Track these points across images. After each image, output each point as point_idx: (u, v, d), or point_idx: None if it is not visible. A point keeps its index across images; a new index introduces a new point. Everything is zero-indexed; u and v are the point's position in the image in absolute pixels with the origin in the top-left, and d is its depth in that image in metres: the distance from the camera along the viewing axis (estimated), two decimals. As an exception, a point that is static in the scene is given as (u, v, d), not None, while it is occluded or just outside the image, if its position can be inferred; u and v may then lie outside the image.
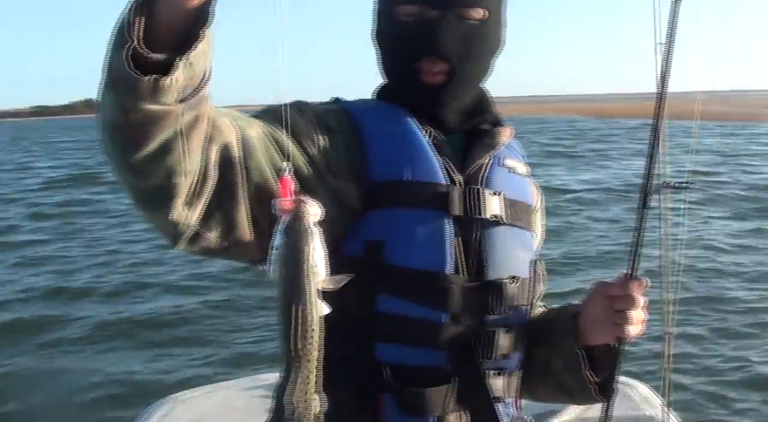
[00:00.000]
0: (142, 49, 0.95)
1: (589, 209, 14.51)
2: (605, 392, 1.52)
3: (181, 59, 0.96)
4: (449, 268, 1.37)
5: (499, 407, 1.45)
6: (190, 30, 0.98)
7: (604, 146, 30.55)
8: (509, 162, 1.52)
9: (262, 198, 1.17)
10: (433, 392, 1.37)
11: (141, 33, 0.96)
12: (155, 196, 1.08)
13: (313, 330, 1.01)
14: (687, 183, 1.64)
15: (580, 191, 16.78)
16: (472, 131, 1.53)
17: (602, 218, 13.67)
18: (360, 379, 1.37)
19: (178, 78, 0.96)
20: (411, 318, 1.36)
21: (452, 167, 1.42)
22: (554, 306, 1.68)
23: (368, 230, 1.36)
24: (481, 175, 1.45)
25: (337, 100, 1.53)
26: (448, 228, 1.38)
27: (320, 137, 1.35)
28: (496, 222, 1.43)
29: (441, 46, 1.41)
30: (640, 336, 1.47)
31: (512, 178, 1.52)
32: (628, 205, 13.90)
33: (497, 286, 1.41)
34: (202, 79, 1.02)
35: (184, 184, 1.08)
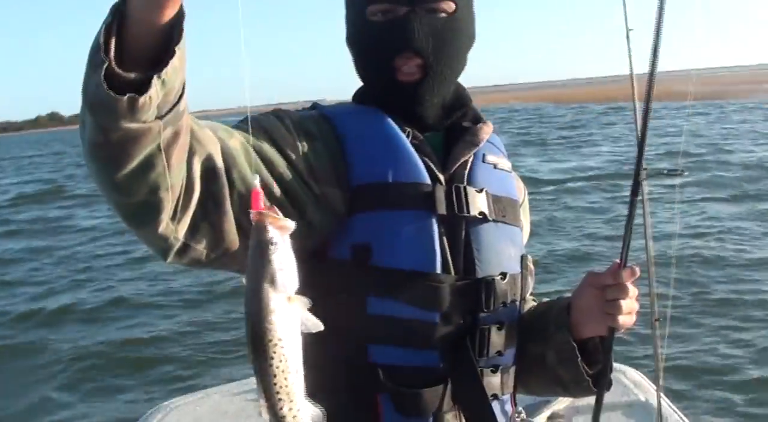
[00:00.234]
0: (116, 68, 0.95)
1: (573, 198, 14.36)
2: (600, 384, 1.52)
3: (155, 77, 0.96)
4: (438, 268, 1.37)
5: (496, 404, 1.45)
6: (161, 47, 0.99)
7: (574, 133, 30.62)
8: (492, 158, 1.52)
9: (247, 207, 1.15)
10: (428, 392, 1.37)
11: (113, 53, 0.96)
12: (141, 211, 1.08)
13: (270, 341, 1.01)
14: (678, 170, 1.66)
15: (562, 181, 16.69)
16: (453, 128, 1.53)
17: (585, 207, 13.41)
18: (356, 381, 1.37)
19: (154, 95, 0.96)
20: (402, 319, 1.36)
21: (434, 166, 1.42)
22: (544, 299, 1.68)
23: (354, 234, 1.36)
24: (464, 173, 1.45)
25: (315, 106, 1.53)
26: (435, 227, 1.38)
27: (301, 144, 1.35)
28: (483, 219, 1.43)
29: (413, 41, 1.42)
30: (631, 325, 1.48)
31: (496, 173, 1.52)
32: (609, 194, 13.82)
33: (487, 283, 1.41)
34: (178, 95, 1.02)
35: (170, 199, 1.08)
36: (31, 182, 29.66)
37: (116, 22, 0.96)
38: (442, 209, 1.39)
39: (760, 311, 7.50)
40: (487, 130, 1.54)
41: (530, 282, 1.57)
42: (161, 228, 1.10)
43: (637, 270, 1.47)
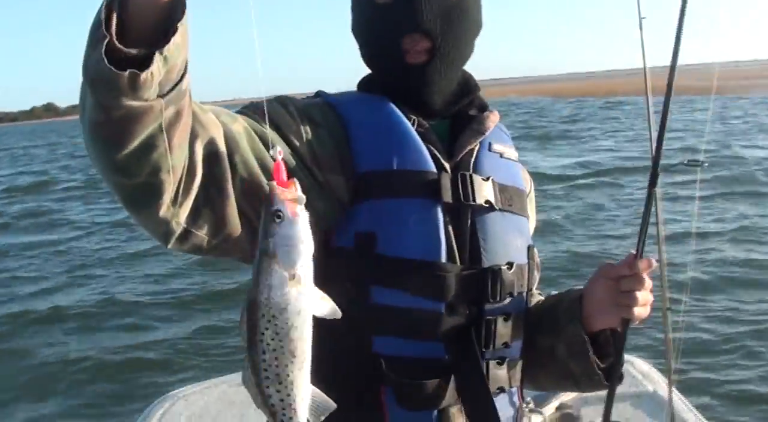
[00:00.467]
0: (117, 44, 0.94)
1: (586, 194, 13.97)
2: (612, 378, 1.50)
3: (157, 53, 0.94)
4: (443, 257, 1.35)
5: (503, 397, 1.44)
6: (163, 25, 0.97)
7: (577, 127, 30.28)
8: (498, 146, 1.51)
9: (250, 192, 1.18)
10: (431, 384, 1.34)
11: (115, 29, 0.94)
12: (142, 194, 1.06)
13: (263, 316, 1.00)
14: (699, 161, 1.63)
15: (574, 176, 16.23)
16: (459, 116, 1.51)
17: (591, 204, 13.04)
18: (359, 372, 1.35)
19: (156, 72, 0.95)
20: (406, 309, 1.33)
21: (440, 154, 1.40)
22: (553, 292, 1.65)
23: (358, 222, 1.34)
24: (470, 161, 1.44)
25: (319, 94, 1.51)
26: (440, 215, 1.36)
27: (305, 131, 1.34)
28: (489, 207, 1.41)
29: (422, 21, 1.40)
30: (645, 318, 1.46)
31: (502, 162, 1.50)
32: (617, 189, 13.51)
33: (494, 273, 1.39)
34: (181, 73, 1.00)
35: (171, 181, 1.06)
36: (25, 174, 29.25)
37: None
38: (447, 197, 1.36)
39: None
40: (493, 119, 1.52)
41: (536, 274, 1.55)
42: (162, 212, 1.08)
43: (654, 261, 1.46)
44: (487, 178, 1.43)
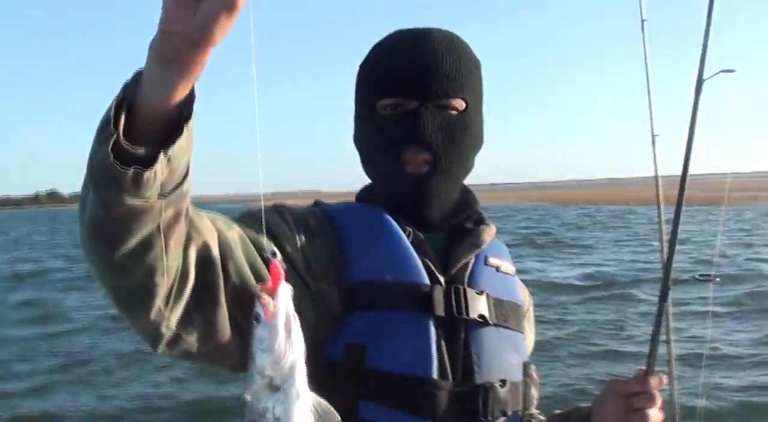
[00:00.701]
0: (124, 143, 0.95)
1: (593, 307, 13.08)
2: None
3: (161, 153, 0.96)
4: (435, 372, 1.32)
5: None
6: (170, 126, 0.98)
7: (581, 235, 30.10)
8: (494, 260, 1.50)
9: (241, 300, 1.16)
10: None
11: (122, 127, 0.96)
12: (135, 295, 1.05)
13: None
14: (711, 276, 1.60)
15: (583, 287, 15.24)
16: (455, 229, 1.51)
17: (593, 320, 12.07)
18: None
19: (159, 171, 0.96)
20: None
21: (434, 267, 1.39)
22: (556, 411, 1.60)
23: (349, 333, 1.32)
24: (465, 275, 1.43)
25: (317, 203, 1.53)
26: (432, 330, 1.33)
27: (300, 239, 1.34)
28: (483, 322, 1.39)
29: (423, 135, 1.42)
30: None
31: (498, 276, 1.49)
32: (623, 301, 13.19)
33: (487, 390, 1.35)
34: (183, 175, 1.01)
35: (164, 284, 1.05)
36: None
37: (127, 99, 0.97)
38: (440, 311, 1.35)
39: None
40: (490, 232, 1.53)
41: (534, 393, 1.48)
42: (153, 315, 1.07)
43: (665, 378, 1.44)
44: (482, 292, 1.42)
